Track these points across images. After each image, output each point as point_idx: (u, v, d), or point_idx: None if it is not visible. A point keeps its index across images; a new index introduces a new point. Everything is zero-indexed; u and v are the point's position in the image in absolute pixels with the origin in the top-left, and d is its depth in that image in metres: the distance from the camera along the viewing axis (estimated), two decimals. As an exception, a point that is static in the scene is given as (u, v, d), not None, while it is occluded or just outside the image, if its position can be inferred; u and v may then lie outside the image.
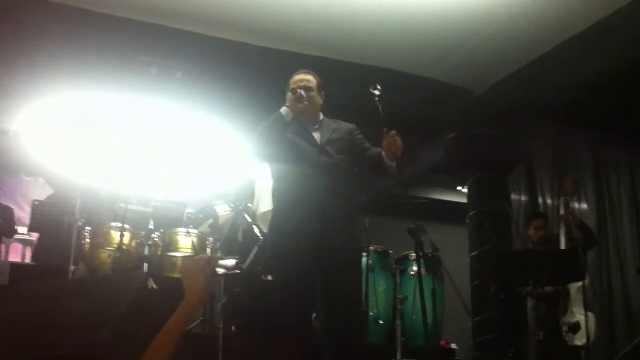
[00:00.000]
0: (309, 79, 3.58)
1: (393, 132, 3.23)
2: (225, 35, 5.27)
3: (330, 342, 3.31)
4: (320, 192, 3.32)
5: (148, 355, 1.64)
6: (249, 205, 5.36)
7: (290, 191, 3.40)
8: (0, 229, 5.88)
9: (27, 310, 2.19)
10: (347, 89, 4.59)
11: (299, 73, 3.61)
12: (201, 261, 1.78)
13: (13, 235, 6.24)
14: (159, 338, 1.67)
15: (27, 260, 7.15)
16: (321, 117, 3.61)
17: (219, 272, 1.79)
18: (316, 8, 4.86)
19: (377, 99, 3.31)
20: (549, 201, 7.23)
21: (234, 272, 1.80)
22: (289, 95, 3.46)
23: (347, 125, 3.63)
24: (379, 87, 3.33)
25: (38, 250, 5.93)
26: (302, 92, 3.43)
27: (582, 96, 5.85)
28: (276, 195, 3.53)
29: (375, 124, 3.27)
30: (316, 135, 3.50)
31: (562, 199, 5.28)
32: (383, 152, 3.32)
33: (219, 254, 1.80)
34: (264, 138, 3.39)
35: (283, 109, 3.37)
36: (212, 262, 1.78)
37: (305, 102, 3.42)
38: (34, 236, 6.36)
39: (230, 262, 1.80)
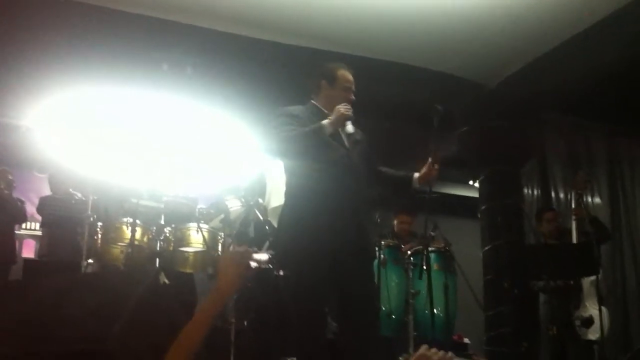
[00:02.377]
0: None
1: (437, 166, 3.32)
2: (236, 30, 5.26)
3: (344, 337, 3.30)
4: (345, 191, 3.24)
5: (178, 343, 1.66)
6: (260, 200, 5.35)
7: (311, 188, 3.27)
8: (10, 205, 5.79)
9: (40, 305, 2.20)
10: (358, 82, 4.57)
11: (347, 69, 3.45)
12: (238, 254, 1.80)
13: (23, 221, 6.22)
14: (190, 326, 1.69)
15: (40, 255, 7.19)
16: None
17: (252, 266, 1.80)
18: (326, 2, 4.84)
19: (435, 118, 3.36)
20: (561, 195, 7.17)
21: (267, 266, 1.81)
22: (342, 93, 3.36)
23: (361, 133, 3.52)
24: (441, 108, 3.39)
25: (44, 246, 5.91)
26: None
27: (597, 88, 5.79)
28: (292, 191, 3.41)
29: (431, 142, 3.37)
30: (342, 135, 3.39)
31: (574, 193, 5.25)
32: (415, 176, 3.37)
33: (254, 249, 1.78)
34: (297, 143, 3.26)
35: (326, 122, 3.19)
36: (247, 256, 1.79)
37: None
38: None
39: (264, 256, 1.81)
